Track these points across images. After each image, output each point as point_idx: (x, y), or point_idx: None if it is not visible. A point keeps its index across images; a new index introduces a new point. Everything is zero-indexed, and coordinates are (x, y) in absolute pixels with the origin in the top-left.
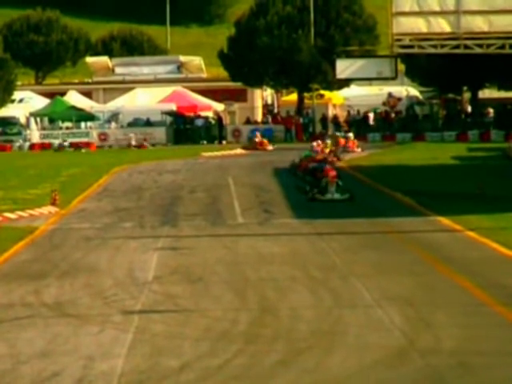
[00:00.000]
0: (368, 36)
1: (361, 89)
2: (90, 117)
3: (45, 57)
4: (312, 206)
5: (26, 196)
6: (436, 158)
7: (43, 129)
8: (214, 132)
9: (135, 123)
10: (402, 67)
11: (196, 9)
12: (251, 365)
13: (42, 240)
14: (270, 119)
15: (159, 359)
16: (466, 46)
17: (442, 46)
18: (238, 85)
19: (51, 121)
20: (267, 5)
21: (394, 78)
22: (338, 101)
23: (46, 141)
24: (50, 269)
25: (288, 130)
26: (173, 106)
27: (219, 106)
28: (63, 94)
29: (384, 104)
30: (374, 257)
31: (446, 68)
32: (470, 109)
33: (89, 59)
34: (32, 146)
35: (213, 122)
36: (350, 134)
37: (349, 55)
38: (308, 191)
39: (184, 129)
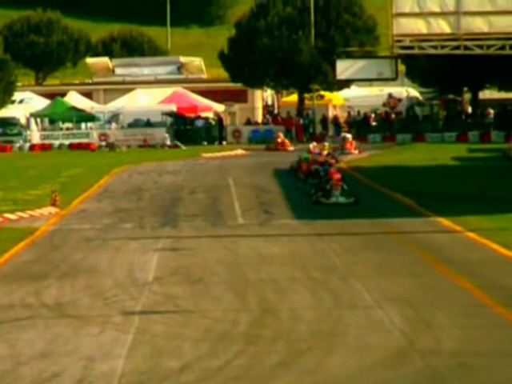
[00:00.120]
0: (368, 37)
1: (361, 90)
2: (90, 117)
3: (45, 57)
4: (312, 207)
5: (27, 197)
6: (436, 158)
7: (43, 129)
8: (214, 133)
9: (135, 124)
10: (402, 68)
11: (196, 10)
12: (251, 366)
13: (42, 241)
14: (269, 120)
15: (159, 360)
16: (466, 47)
17: (442, 47)
18: (239, 86)
19: (51, 121)
20: (267, 6)
21: (394, 79)
22: (338, 102)
23: (47, 141)
24: (51, 270)
25: (288, 130)
26: (173, 107)
27: (219, 107)
28: (63, 94)
29: (384, 105)
30: (374, 257)
31: (446, 69)
32: (470, 110)
33: (89, 60)
34: (32, 147)
35: (213, 122)
36: (349, 136)
37: (349, 56)
38: (312, 194)
39: (184, 129)
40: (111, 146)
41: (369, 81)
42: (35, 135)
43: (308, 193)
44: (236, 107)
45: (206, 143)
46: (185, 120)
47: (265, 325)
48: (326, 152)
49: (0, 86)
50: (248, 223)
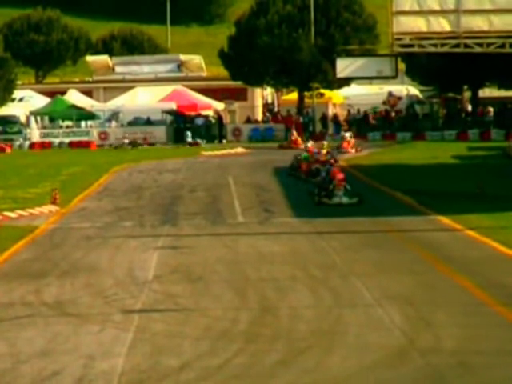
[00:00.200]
0: (368, 35)
1: (361, 88)
2: (90, 116)
3: (45, 56)
4: (312, 205)
5: (27, 195)
6: (436, 157)
7: (43, 128)
8: (214, 131)
9: (135, 122)
10: (402, 66)
11: (196, 8)
12: (251, 364)
13: (42, 239)
14: (269, 118)
15: (159, 358)
16: (466, 45)
17: (442, 45)
18: (239, 84)
19: (51, 120)
20: (267, 4)
21: (394, 77)
22: (338, 100)
23: (46, 140)
24: (51, 268)
25: (288, 129)
26: (173, 105)
27: (219, 105)
28: (63, 92)
29: (384, 103)
30: (374, 256)
31: (446, 67)
32: (470, 108)
33: (89, 58)
34: (32, 145)
35: (213, 121)
36: (347, 134)
37: (349, 54)
38: (315, 194)
39: (184, 128)
40: (134, 144)
41: (369, 79)
42: (35, 133)
43: (311, 192)
44: (236, 105)
45: (205, 141)
46: (185, 118)
47: (265, 323)
48: (324, 151)
49: (0, 84)
50: (248, 221)
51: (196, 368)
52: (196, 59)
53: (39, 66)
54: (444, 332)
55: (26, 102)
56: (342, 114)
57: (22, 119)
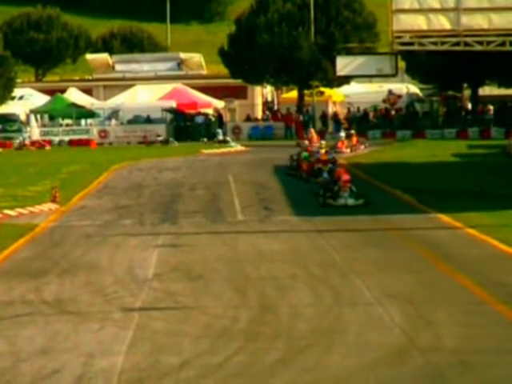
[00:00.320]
0: (368, 33)
1: (361, 86)
2: (90, 114)
3: (45, 54)
4: (312, 203)
5: (26, 193)
6: (436, 155)
7: (43, 126)
8: (214, 129)
9: (135, 120)
10: (402, 64)
11: (196, 6)
12: (251, 362)
13: (42, 237)
14: (269, 116)
15: (159, 356)
16: (466, 43)
17: (442, 43)
18: (239, 82)
19: (51, 118)
20: (267, 2)
21: (394, 75)
22: (338, 98)
23: (46, 138)
24: (51, 266)
25: (288, 127)
26: (173, 103)
27: (219, 103)
28: (63, 91)
29: (384, 101)
30: (374, 254)
31: (446, 65)
32: (470, 106)
33: (89, 56)
34: (32, 143)
35: (213, 119)
36: (342, 134)
37: (349, 52)
38: (320, 196)
39: (184, 126)
40: (165, 141)
41: (369, 77)
42: (35, 131)
43: (316, 193)
44: (236, 103)
45: (205, 140)
46: (185, 116)
47: (265, 322)
48: (323, 150)
49: (0, 83)
50: (248, 220)
51: (196, 366)
52: (196, 57)
53: (39, 64)
54: (444, 330)
55: (26, 100)
56: (342, 112)
57: (22, 117)
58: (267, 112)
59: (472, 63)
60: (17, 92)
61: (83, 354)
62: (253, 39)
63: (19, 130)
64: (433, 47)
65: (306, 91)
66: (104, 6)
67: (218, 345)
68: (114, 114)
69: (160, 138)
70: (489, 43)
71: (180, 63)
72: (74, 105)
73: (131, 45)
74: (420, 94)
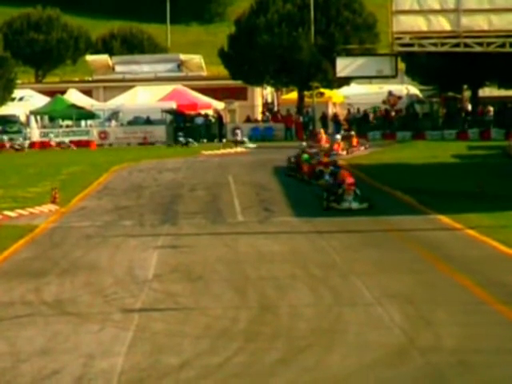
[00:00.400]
0: (368, 34)
1: (361, 87)
2: (90, 115)
3: (45, 55)
4: (312, 204)
5: (26, 194)
6: (436, 156)
7: (43, 127)
8: (214, 130)
9: (135, 121)
10: (402, 66)
11: (196, 7)
12: (251, 363)
13: (42, 238)
14: (269, 117)
15: (159, 357)
16: (466, 45)
17: (442, 45)
18: (238, 83)
19: (51, 119)
20: (267, 3)
21: (394, 77)
22: (338, 99)
23: (46, 139)
24: (51, 267)
25: (288, 128)
26: (173, 105)
27: (219, 105)
28: (63, 92)
29: (384, 102)
30: (374, 255)
31: (446, 66)
32: (470, 107)
33: (89, 57)
34: (32, 145)
35: (213, 120)
36: (338, 136)
37: (349, 53)
38: (324, 199)
39: (184, 127)
40: (186, 142)
41: (369, 78)
42: (35, 133)
43: (319, 196)
44: (236, 105)
45: (205, 141)
46: (185, 117)
47: (265, 322)
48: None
49: (0, 84)
50: (248, 221)
51: (196, 366)
52: (196, 59)
53: (39, 65)
54: (444, 331)
55: (26, 101)
56: (342, 114)
57: (22, 119)
58: (267, 113)
59: (472, 64)
60: (17, 93)
61: (83, 354)
62: (253, 40)
63: (19, 132)
64: (433, 48)
65: (306, 92)
66: (104, 7)
67: (217, 345)
68: (114, 115)
69: (182, 139)
70: (489, 44)
71: (180, 64)
72: (74, 106)
73: (131, 46)
74: (420, 95)
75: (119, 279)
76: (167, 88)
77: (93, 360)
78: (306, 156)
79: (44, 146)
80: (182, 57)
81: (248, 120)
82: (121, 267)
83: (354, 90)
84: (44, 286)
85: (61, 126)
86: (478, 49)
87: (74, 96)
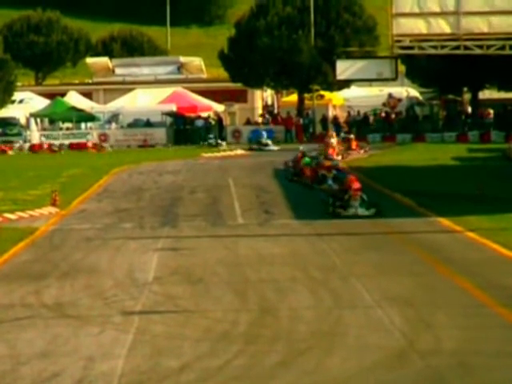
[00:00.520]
0: (368, 37)
1: (361, 90)
2: (90, 117)
3: (45, 57)
4: (312, 206)
5: (26, 197)
6: (436, 158)
7: (43, 129)
8: (214, 133)
9: (135, 124)
10: (402, 68)
11: (196, 9)
12: (251, 365)
13: (42, 241)
14: (269, 120)
15: (159, 360)
16: (466, 47)
17: (442, 47)
18: (238, 85)
19: (51, 121)
20: (267, 5)
21: (394, 79)
22: (338, 102)
23: (46, 142)
24: (51, 269)
25: (288, 130)
26: (173, 107)
27: (219, 107)
28: (63, 94)
29: (384, 105)
30: (374, 257)
31: (446, 69)
32: (470, 110)
33: (89, 60)
34: (32, 147)
35: (213, 122)
36: (333, 140)
37: (349, 56)
38: (329, 204)
39: (184, 129)
40: (216, 144)
41: (369, 81)
42: (35, 135)
43: (325, 201)
44: (236, 107)
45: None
46: (185, 120)
47: (265, 325)
48: (322, 156)
49: (0, 86)
50: (248, 223)
51: (196, 369)
52: (196, 61)
53: (39, 68)
54: (444, 333)
55: (26, 103)
56: (342, 116)
57: (22, 121)
58: (267, 116)
59: (472, 67)
60: (17, 95)
61: (83, 357)
62: (253, 42)
63: (19, 134)
64: (433, 51)
65: (306, 95)
66: (104, 10)
67: (218, 348)
68: (114, 117)
69: (211, 141)
70: (489, 47)
71: (180, 67)
72: (74, 108)
73: (131, 48)
74: (420, 97)
75: (119, 282)
76: (167, 90)
77: (93, 363)
78: (307, 159)
79: (40, 148)
80: (182, 59)
81: (248, 122)
82: (121, 270)
83: (354, 92)
84: (44, 288)
85: (61, 129)
86: (477, 51)
87: (74, 98)
